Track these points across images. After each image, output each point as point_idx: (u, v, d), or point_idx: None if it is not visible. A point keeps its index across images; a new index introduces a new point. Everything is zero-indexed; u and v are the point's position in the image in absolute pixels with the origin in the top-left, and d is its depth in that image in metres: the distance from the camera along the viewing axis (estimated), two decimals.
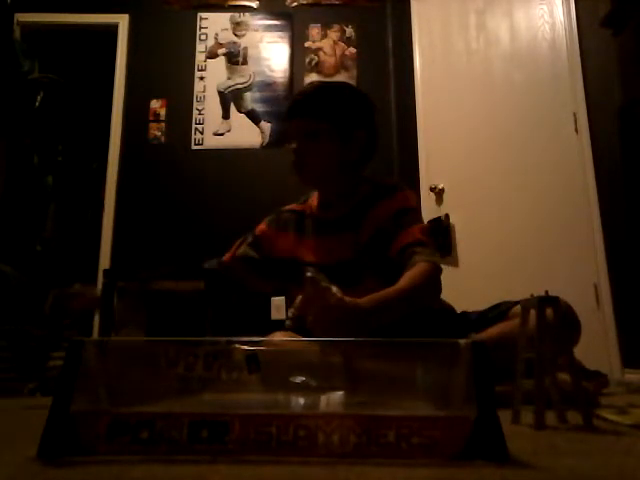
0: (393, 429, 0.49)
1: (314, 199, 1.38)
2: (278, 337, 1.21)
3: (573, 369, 0.75)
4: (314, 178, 1.30)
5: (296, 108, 1.27)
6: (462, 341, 0.54)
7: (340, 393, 0.59)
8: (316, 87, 1.32)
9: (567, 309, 1.11)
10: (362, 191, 1.31)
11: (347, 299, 0.96)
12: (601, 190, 2.71)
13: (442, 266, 1.17)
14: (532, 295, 0.78)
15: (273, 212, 1.43)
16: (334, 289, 0.96)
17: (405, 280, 1.08)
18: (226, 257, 1.41)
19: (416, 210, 1.29)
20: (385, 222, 1.23)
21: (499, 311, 1.21)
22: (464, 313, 1.33)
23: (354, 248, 1.25)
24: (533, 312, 0.77)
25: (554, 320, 0.76)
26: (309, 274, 0.97)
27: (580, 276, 2.61)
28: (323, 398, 0.58)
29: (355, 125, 1.27)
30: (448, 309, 1.34)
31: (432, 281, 1.13)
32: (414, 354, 0.57)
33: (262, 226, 1.41)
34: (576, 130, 2.82)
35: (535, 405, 0.72)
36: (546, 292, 0.78)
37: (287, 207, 1.42)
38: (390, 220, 1.22)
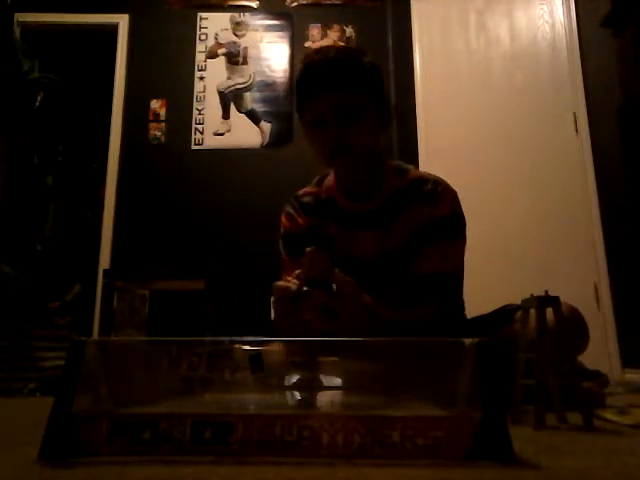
0: (397, 430, 0.49)
1: (332, 183, 1.19)
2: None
3: (574, 370, 0.75)
4: (361, 162, 1.08)
5: (325, 81, 1.02)
6: (467, 340, 0.53)
7: (344, 393, 0.58)
8: (337, 53, 1.06)
9: (575, 315, 1.06)
10: (393, 184, 1.14)
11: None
12: (601, 190, 2.71)
13: None
14: (532, 295, 0.79)
15: (290, 200, 1.25)
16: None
17: (407, 314, 1.01)
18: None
19: (455, 218, 1.15)
20: (420, 228, 1.10)
21: (505, 314, 1.18)
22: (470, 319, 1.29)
23: (378, 249, 1.11)
24: (533, 312, 0.77)
25: (554, 320, 0.76)
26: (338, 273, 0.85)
27: (580, 276, 2.62)
28: (327, 398, 0.58)
29: (384, 92, 1.11)
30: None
31: (436, 325, 1.02)
32: (418, 354, 0.57)
33: (285, 221, 1.23)
34: (576, 130, 2.83)
35: (535, 405, 0.72)
36: (546, 292, 0.78)
37: (303, 191, 1.25)
38: (426, 229, 1.10)
